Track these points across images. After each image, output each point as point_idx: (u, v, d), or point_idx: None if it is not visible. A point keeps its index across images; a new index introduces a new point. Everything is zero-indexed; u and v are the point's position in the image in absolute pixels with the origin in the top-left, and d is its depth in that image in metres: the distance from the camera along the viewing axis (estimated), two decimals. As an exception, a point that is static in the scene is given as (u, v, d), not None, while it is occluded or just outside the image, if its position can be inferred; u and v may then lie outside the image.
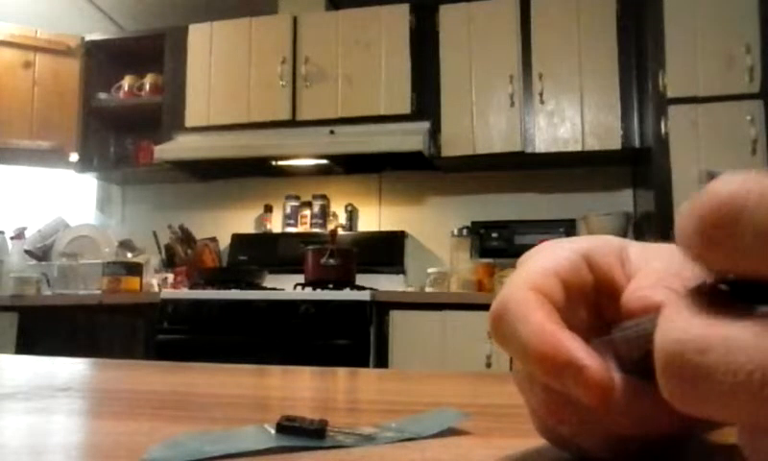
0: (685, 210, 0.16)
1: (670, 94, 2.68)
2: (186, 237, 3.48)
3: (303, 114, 3.26)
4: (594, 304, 0.23)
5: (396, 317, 2.77)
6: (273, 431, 0.28)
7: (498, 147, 3.04)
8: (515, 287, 0.22)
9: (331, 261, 2.92)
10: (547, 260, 0.23)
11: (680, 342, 0.16)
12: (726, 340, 0.15)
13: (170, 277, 3.29)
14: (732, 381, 0.14)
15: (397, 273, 3.31)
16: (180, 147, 3.38)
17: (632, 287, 0.22)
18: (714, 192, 0.15)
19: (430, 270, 3.12)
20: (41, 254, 3.43)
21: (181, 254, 3.44)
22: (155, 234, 3.44)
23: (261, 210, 3.63)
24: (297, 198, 3.58)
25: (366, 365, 2.67)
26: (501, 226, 3.23)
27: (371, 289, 2.87)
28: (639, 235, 3.09)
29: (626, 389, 0.20)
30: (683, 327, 0.16)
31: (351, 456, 0.27)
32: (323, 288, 2.90)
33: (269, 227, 3.60)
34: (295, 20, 3.35)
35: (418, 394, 0.53)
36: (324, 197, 3.55)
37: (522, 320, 0.20)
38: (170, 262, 3.43)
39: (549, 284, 0.22)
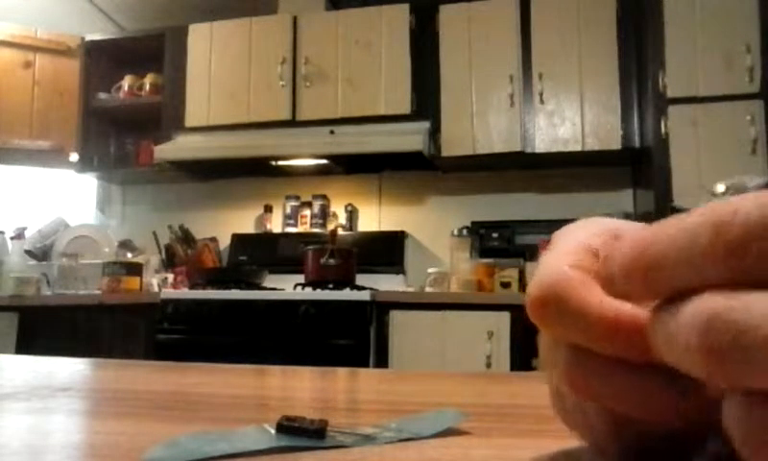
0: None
1: (670, 94, 2.68)
2: (186, 237, 3.48)
3: (303, 114, 3.26)
4: None
5: (395, 317, 2.77)
6: (273, 431, 0.28)
7: (498, 147, 3.04)
8: (555, 266, 0.21)
9: (331, 261, 2.92)
10: (580, 236, 0.23)
11: (718, 304, 0.16)
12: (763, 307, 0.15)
13: (170, 277, 3.28)
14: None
15: (397, 273, 3.31)
16: (179, 147, 3.38)
17: None
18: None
19: (430, 270, 3.12)
20: (41, 254, 3.43)
21: (181, 254, 3.44)
22: (155, 234, 3.43)
23: (261, 210, 3.63)
24: (297, 198, 3.58)
25: (366, 365, 2.67)
26: (501, 226, 3.22)
27: (371, 289, 2.87)
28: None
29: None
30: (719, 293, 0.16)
31: (351, 456, 0.27)
32: (323, 288, 2.90)
33: (269, 227, 3.60)
34: (295, 20, 3.34)
35: (418, 394, 0.53)
36: (324, 197, 3.54)
37: (577, 296, 0.20)
38: (170, 262, 3.43)
39: (587, 261, 0.22)
